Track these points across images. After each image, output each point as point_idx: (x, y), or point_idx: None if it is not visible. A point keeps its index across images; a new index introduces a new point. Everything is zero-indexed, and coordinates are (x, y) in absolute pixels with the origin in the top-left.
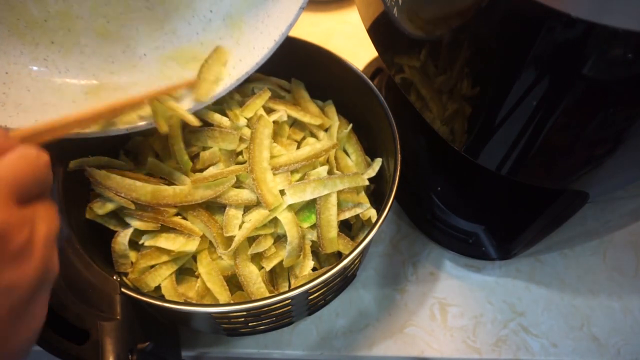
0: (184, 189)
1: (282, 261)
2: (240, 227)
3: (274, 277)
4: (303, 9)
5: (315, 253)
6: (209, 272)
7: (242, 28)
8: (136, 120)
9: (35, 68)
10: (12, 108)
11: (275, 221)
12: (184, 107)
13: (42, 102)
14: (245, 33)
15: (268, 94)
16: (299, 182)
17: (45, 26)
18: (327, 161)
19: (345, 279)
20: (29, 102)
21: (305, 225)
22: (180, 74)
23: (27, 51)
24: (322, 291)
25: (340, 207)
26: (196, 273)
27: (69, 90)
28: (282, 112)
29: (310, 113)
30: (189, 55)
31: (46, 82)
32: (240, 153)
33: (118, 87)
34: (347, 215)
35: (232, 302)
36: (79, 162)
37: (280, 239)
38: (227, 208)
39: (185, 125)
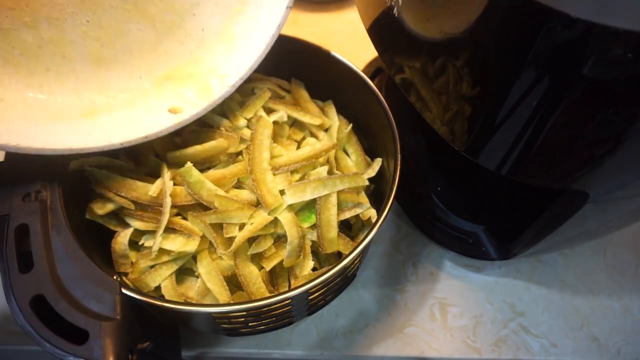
0: (183, 189)
1: (282, 261)
2: (240, 227)
3: (274, 277)
4: (290, 8)
5: (315, 253)
6: (209, 272)
7: (234, 41)
8: (131, 136)
9: (30, 94)
10: (5, 132)
11: (275, 221)
12: (186, 116)
13: (36, 125)
14: (237, 44)
15: (268, 94)
16: (298, 182)
17: (40, 53)
18: (327, 161)
19: (345, 279)
20: (23, 127)
21: (305, 225)
22: (177, 92)
23: (23, 78)
24: (322, 291)
25: (340, 207)
26: (196, 273)
27: (64, 114)
28: (282, 112)
29: (310, 113)
30: (184, 73)
31: (41, 107)
32: (240, 153)
33: (113, 109)
34: (347, 215)
35: (232, 302)
36: (80, 162)
37: (280, 239)
38: None
39: (185, 126)
